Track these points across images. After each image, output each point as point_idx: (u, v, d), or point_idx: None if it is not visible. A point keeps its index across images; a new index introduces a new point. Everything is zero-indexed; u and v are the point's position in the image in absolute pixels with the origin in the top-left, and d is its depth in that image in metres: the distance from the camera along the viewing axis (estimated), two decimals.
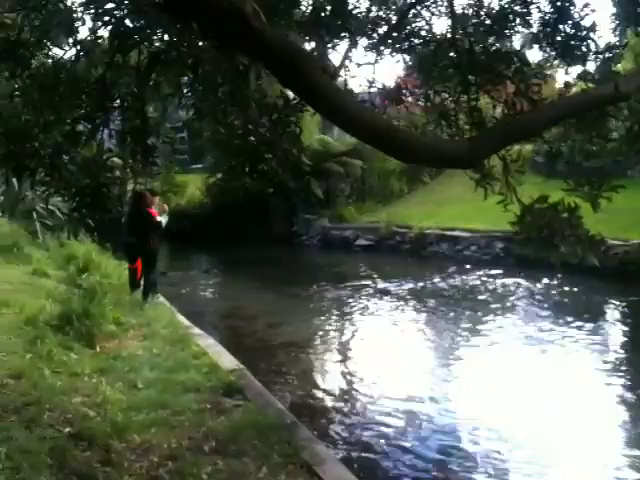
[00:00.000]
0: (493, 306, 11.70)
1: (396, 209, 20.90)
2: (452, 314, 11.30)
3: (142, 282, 9.73)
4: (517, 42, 5.62)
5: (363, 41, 5.56)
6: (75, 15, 4.48)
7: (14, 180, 13.40)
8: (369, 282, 14.29)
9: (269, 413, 5.21)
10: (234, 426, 4.93)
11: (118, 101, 4.63)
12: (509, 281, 13.53)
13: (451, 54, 4.90)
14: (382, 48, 5.07)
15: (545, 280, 13.15)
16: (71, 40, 4.50)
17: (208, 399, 5.59)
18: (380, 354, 9.00)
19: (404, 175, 23.27)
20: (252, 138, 4.51)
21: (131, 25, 4.03)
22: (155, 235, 9.61)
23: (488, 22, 5.22)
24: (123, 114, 4.73)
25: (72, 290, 8.34)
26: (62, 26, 4.28)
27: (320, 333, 10.20)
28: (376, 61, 5.57)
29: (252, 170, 4.61)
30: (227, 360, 6.75)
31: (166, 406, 5.40)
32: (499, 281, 13.70)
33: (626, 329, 10.26)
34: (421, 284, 13.73)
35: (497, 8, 5.62)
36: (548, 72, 4.95)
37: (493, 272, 14.40)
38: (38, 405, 4.90)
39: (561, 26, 4.56)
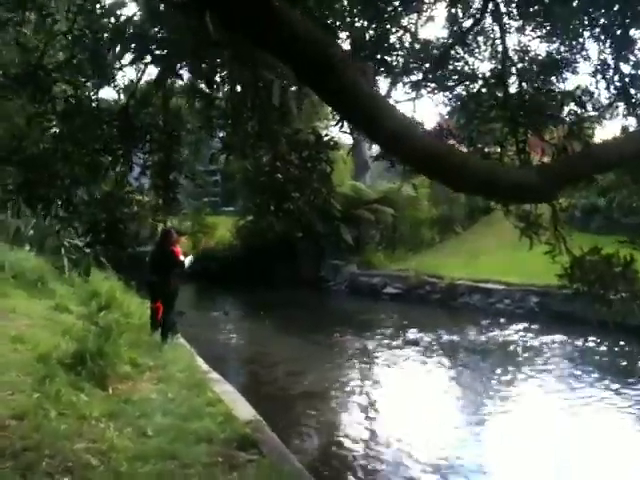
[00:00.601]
0: (526, 364, 11.10)
1: (427, 258, 20.46)
2: (482, 370, 10.74)
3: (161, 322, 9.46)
4: (571, 82, 5.36)
5: (403, 78, 5.36)
6: (102, 43, 4.34)
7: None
8: (396, 332, 13.80)
9: (284, 471, 4.79)
10: None
11: (142, 133, 4.43)
12: (544, 338, 12.89)
13: (498, 94, 4.61)
14: (423, 85, 4.80)
15: (582, 338, 12.52)
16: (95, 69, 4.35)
17: (220, 452, 5.21)
18: (404, 410, 8.53)
19: (436, 224, 22.97)
20: (279, 175, 4.24)
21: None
22: (176, 275, 9.37)
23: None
24: (146, 146, 4.52)
25: (90, 327, 8.09)
26: (87, 52, 4.12)
27: (342, 384, 9.76)
28: (416, 97, 5.34)
29: (278, 209, 4.33)
30: (244, 409, 6.37)
31: (175, 457, 5.03)
32: (532, 337, 13.07)
33: None
34: (451, 337, 13.19)
35: (544, 54, 5.39)
36: (606, 114, 4.64)
37: (526, 327, 13.80)
38: (38, 450, 4.59)
39: (621, 65, 4.24)
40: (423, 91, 5.76)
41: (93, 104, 4.23)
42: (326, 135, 4.16)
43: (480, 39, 5.40)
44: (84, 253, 11.68)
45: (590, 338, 12.37)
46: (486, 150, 4.74)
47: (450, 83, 4.91)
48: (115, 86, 4.58)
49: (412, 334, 13.42)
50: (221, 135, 4.62)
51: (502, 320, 14.53)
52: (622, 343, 11.82)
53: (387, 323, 15.07)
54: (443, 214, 23.10)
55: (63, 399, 5.89)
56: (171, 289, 9.36)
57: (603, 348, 11.88)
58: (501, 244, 20.86)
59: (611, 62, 4.37)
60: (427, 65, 5.00)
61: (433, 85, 4.95)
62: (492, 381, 10.01)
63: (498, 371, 10.66)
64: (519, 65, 5.12)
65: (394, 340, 13.09)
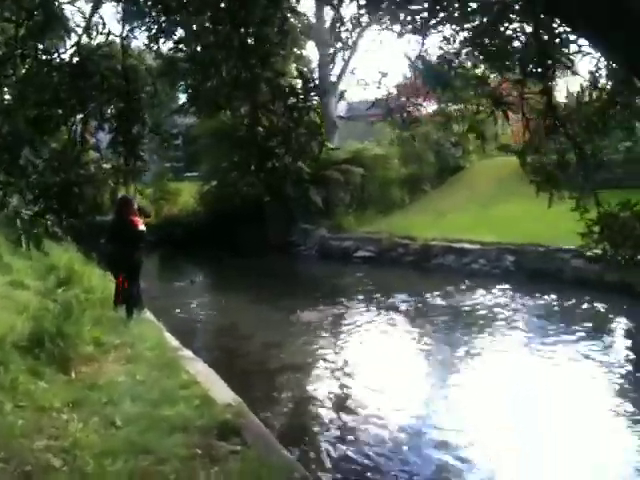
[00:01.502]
0: (502, 324, 10.81)
1: (397, 219, 20.02)
2: (460, 333, 10.37)
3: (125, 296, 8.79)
4: None
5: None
6: None
7: None
8: (370, 297, 13.37)
9: (273, 464, 4.29)
10: None
11: (98, 79, 3.72)
12: (520, 298, 12.62)
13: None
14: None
15: (557, 295, 12.28)
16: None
17: (199, 442, 4.68)
18: (383, 377, 8.15)
19: (406, 184, 22.49)
20: (261, 128, 3.63)
21: None
22: (138, 246, 8.69)
23: None
24: (104, 95, 3.83)
25: (48, 305, 7.41)
26: None
27: (318, 353, 9.30)
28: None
29: (260, 167, 3.73)
30: (221, 391, 5.84)
31: (148, 450, 4.49)
32: (509, 297, 12.78)
33: None
34: (427, 300, 12.80)
35: None
36: None
37: (503, 287, 13.50)
38: None
39: None
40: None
41: (39, 46, 3.52)
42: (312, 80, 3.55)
43: None
44: (33, 223, 10.75)
45: (564, 295, 12.17)
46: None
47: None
48: (64, 27, 3.85)
49: (387, 298, 13.01)
50: (189, 83, 3.95)
51: (478, 281, 14.20)
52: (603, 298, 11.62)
53: (361, 288, 14.63)
54: (413, 173, 22.61)
55: (20, 388, 5.30)
56: (134, 261, 8.68)
57: (585, 306, 11.66)
58: (471, 202, 20.59)
59: None
60: None
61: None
62: (469, 343, 9.67)
63: (475, 331, 10.35)
64: None
65: (369, 305, 12.66)
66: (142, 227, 8.65)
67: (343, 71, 25.04)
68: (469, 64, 4.39)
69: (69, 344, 6.41)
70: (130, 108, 3.53)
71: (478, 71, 4.43)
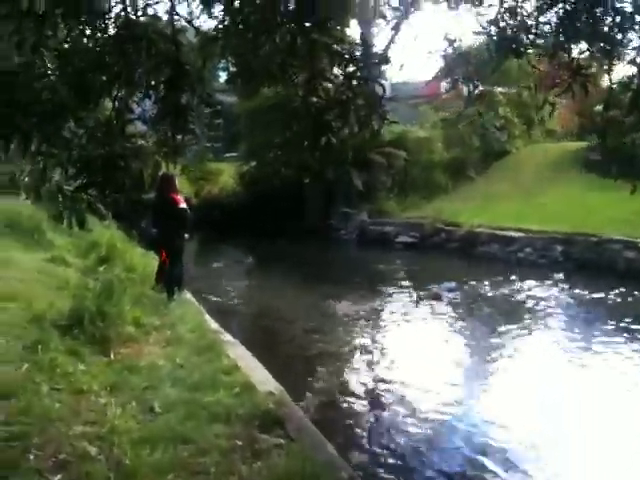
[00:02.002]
0: (552, 318, 10.33)
1: (440, 205, 19.55)
2: (505, 326, 9.87)
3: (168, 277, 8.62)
4: None
5: None
6: None
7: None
8: (412, 284, 13.02)
9: (318, 461, 4.02)
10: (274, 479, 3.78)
11: (145, 43, 3.44)
12: (570, 290, 12.09)
13: None
14: None
15: (609, 288, 11.70)
16: None
17: (240, 433, 4.44)
18: (419, 368, 7.91)
19: (449, 168, 21.95)
20: (316, 99, 3.32)
21: None
22: (181, 225, 8.48)
23: None
24: (151, 61, 3.55)
25: (88, 283, 7.27)
26: None
27: (358, 343, 8.99)
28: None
29: (314, 144, 3.43)
30: (262, 378, 5.60)
31: (188, 440, 4.27)
32: (559, 290, 12.25)
33: None
34: (470, 289, 12.39)
35: None
36: None
37: (552, 278, 12.98)
38: (25, 439, 3.82)
39: None
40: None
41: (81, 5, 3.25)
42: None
43: None
44: (75, 199, 10.71)
45: (620, 289, 11.58)
46: None
47: None
48: None
49: (429, 287, 12.62)
50: (237, 52, 3.65)
51: (525, 270, 13.69)
52: None
53: (402, 275, 14.27)
54: (457, 157, 22.03)
55: (58, 370, 5.12)
56: (176, 240, 8.48)
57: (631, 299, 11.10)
58: (517, 189, 19.98)
59: None
60: None
61: None
62: (515, 340, 9.20)
63: (524, 329, 9.84)
64: None
65: (411, 293, 12.33)
66: (184, 205, 8.45)
67: (386, 50, 24.53)
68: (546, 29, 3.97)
69: (109, 324, 6.25)
70: (179, 75, 3.25)
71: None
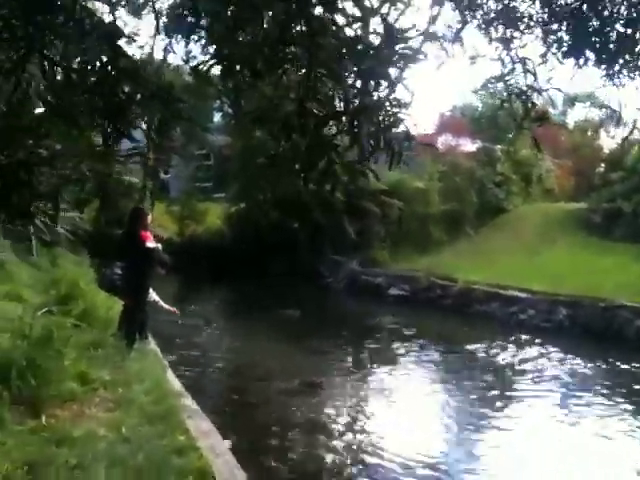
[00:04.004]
0: (558, 392, 9.20)
1: (435, 259, 18.60)
2: (501, 401, 8.69)
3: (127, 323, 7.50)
4: None
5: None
6: None
7: None
8: (402, 343, 11.89)
9: None
10: None
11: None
12: (577, 359, 10.97)
13: None
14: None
15: (618, 359, 10.61)
16: None
17: None
18: (402, 444, 6.73)
19: (445, 221, 21.13)
20: (315, 105, 2.35)
21: None
22: (147, 265, 7.41)
23: None
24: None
25: (24, 329, 6.14)
26: None
27: (334, 412, 7.83)
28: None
29: (309, 166, 2.46)
30: (226, 466, 4.46)
31: None
32: (562, 356, 11.12)
33: None
34: (466, 353, 11.27)
35: None
36: None
37: (555, 343, 11.91)
38: None
39: None
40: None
41: None
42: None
43: None
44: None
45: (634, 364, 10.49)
46: None
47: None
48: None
49: (422, 348, 11.53)
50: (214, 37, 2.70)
51: (526, 335, 12.60)
52: None
53: (392, 330, 13.18)
54: (453, 211, 21.22)
55: None
56: (141, 281, 7.39)
57: None
58: (516, 247, 19.13)
59: None
60: None
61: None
62: (508, 416, 8.07)
63: (517, 397, 8.74)
64: None
65: (401, 354, 11.21)
66: (152, 244, 7.39)
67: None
68: None
69: (44, 381, 5.13)
70: (114, 59, 2.29)
71: None
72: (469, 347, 11.60)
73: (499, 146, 26.19)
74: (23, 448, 4.29)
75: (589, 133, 36.60)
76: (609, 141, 36.98)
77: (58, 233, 14.96)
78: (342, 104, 2.52)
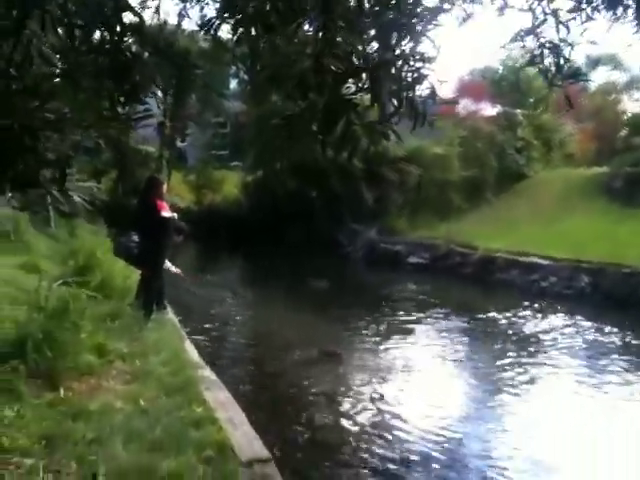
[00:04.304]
0: (580, 361, 9.02)
1: (455, 226, 18.32)
2: (523, 367, 8.51)
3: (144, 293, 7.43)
4: None
5: None
6: None
7: None
8: (423, 312, 11.73)
9: None
10: None
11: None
12: (600, 326, 10.78)
13: None
14: None
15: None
16: None
17: None
18: (425, 413, 6.68)
19: (465, 188, 20.81)
20: (332, 61, 2.17)
21: None
22: (163, 234, 7.29)
23: None
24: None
25: (40, 300, 6.07)
26: None
27: (356, 382, 7.72)
28: None
29: (326, 128, 2.29)
30: (245, 438, 4.36)
31: None
32: (586, 324, 10.94)
33: None
34: (487, 321, 11.11)
35: None
36: None
37: (578, 311, 11.72)
38: None
39: None
40: None
41: None
42: None
43: None
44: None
45: None
46: None
47: None
48: None
49: (443, 317, 11.38)
50: None
51: (548, 302, 12.43)
52: None
53: (412, 299, 13.03)
54: (473, 177, 20.86)
55: None
56: (157, 251, 7.29)
57: None
58: (536, 214, 18.80)
59: None
60: None
61: None
62: (529, 385, 7.90)
63: (543, 374, 8.52)
64: None
65: (422, 323, 11.05)
66: (167, 213, 7.27)
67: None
68: None
69: (60, 353, 5.07)
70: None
71: None
72: (490, 315, 11.45)
73: (519, 110, 25.65)
74: (41, 422, 4.25)
75: (611, 96, 35.76)
76: (632, 104, 36.17)
77: (76, 204, 14.95)
78: (361, 60, 2.33)
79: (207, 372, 5.93)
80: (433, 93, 2.30)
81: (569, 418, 6.75)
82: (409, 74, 2.30)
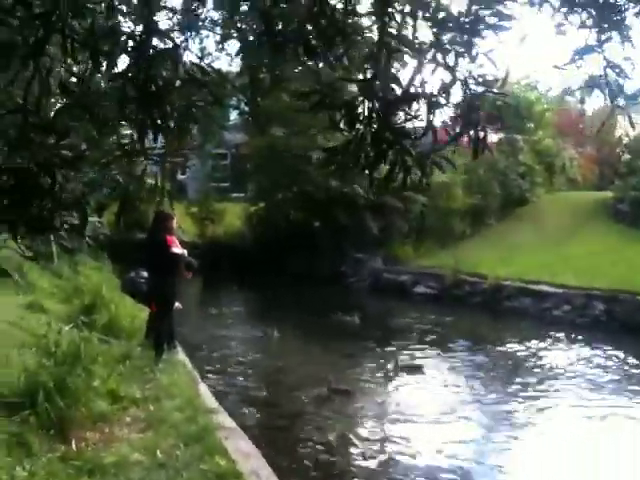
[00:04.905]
0: (601, 395, 8.72)
1: (460, 253, 17.97)
2: (539, 395, 8.31)
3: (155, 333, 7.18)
4: None
5: None
6: None
7: None
8: (433, 343, 11.42)
9: None
10: None
11: None
12: (619, 353, 10.48)
13: None
14: None
15: None
16: None
17: None
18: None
19: (468, 215, 20.61)
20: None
21: None
22: (174, 271, 7.06)
23: None
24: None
25: (49, 347, 5.80)
26: None
27: (370, 424, 7.42)
28: None
29: (375, 162, 2.10)
30: None
31: None
32: (605, 354, 10.60)
33: None
34: (501, 352, 10.81)
35: None
36: None
37: (594, 340, 11.41)
38: None
39: None
40: None
41: None
42: None
43: None
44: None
45: None
46: None
47: None
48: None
49: (454, 347, 11.09)
50: None
51: (562, 332, 12.08)
52: None
53: (422, 332, 12.59)
54: (477, 204, 20.69)
55: None
56: (166, 289, 7.05)
57: None
58: (542, 239, 18.54)
59: None
60: None
61: None
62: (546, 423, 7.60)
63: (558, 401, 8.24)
64: None
65: (431, 355, 10.72)
66: (178, 249, 7.05)
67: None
68: None
69: (72, 401, 4.80)
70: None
71: None
72: (503, 347, 11.17)
73: (521, 136, 25.60)
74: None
75: (611, 120, 35.79)
76: (631, 129, 36.16)
77: (79, 239, 14.71)
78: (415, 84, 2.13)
79: (223, 417, 5.65)
80: (494, 118, 2.10)
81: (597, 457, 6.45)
82: (469, 98, 2.10)
